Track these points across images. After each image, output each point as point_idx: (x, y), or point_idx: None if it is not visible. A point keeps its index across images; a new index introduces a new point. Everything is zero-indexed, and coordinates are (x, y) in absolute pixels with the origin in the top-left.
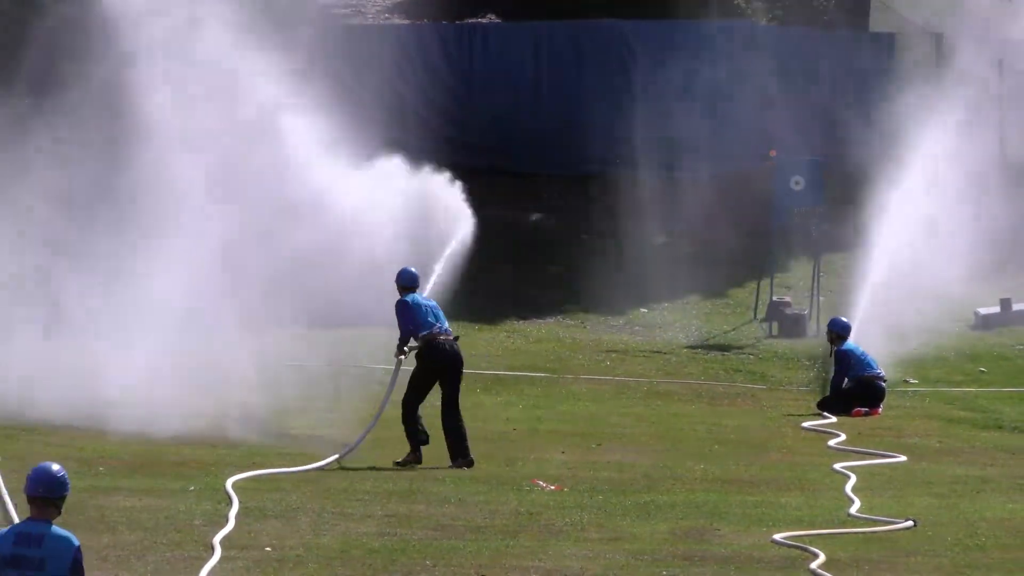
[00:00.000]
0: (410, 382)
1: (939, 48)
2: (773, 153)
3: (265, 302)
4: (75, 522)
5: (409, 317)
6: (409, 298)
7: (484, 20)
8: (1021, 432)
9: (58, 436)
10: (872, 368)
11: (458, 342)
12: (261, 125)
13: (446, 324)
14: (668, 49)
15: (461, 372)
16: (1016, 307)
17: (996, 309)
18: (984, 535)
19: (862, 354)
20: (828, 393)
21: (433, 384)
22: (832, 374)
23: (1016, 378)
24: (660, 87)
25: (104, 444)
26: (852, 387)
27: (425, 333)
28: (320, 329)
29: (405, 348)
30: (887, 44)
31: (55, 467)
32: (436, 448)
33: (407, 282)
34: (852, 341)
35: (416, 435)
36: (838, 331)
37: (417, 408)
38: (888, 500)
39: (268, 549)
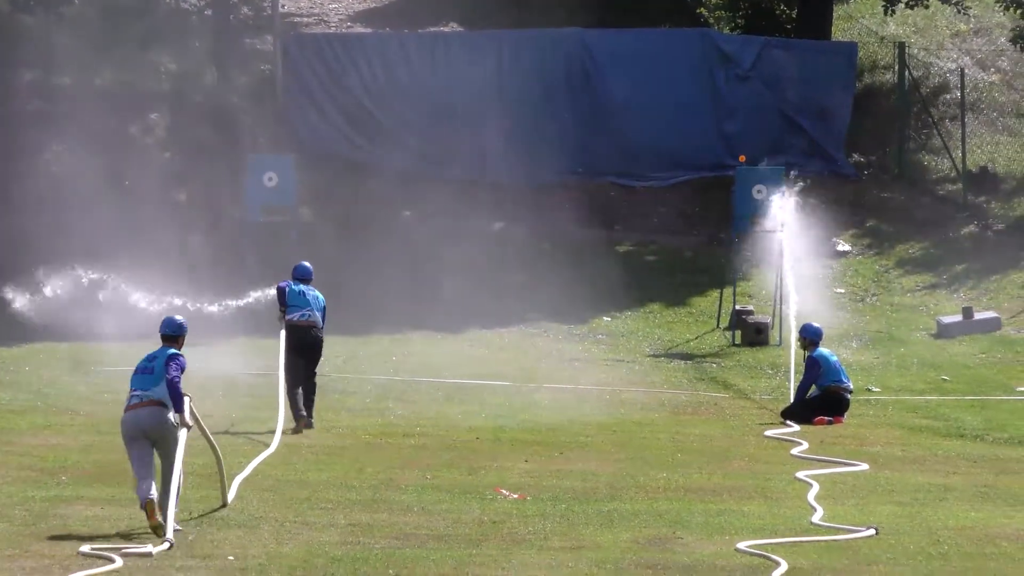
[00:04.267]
0: (283, 363)
1: (901, 58)
2: (743, 159)
3: None
4: (37, 531)
5: (279, 293)
6: (289, 283)
7: (446, 29)
8: (983, 440)
9: (22, 445)
10: (841, 379)
11: (320, 332)
12: None
13: (317, 316)
14: (630, 57)
15: (317, 352)
16: (978, 316)
17: (958, 317)
18: (946, 543)
19: (835, 362)
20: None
21: (297, 361)
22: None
23: (978, 387)
24: (622, 95)
25: (66, 453)
26: (817, 396)
27: (289, 317)
28: None
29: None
30: (849, 54)
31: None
32: (395, 453)
33: (297, 273)
34: (825, 348)
35: (296, 407)
36: (811, 337)
37: (294, 384)
38: (851, 508)
39: (231, 558)
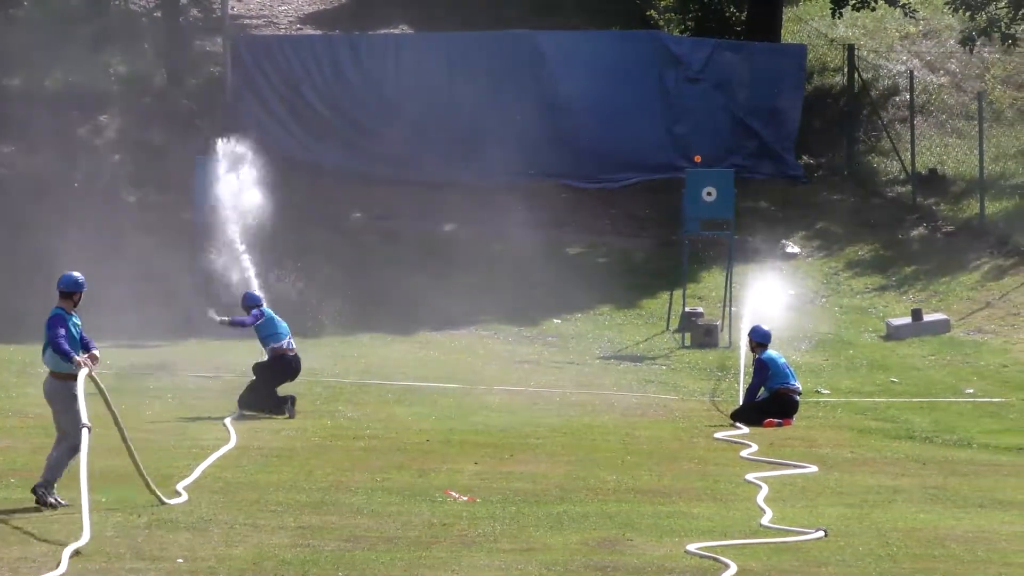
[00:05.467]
0: (257, 382)
1: (851, 60)
2: (698, 159)
3: None
4: None
5: (253, 323)
6: (260, 311)
7: (396, 31)
8: (932, 442)
9: None
10: (789, 380)
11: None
12: None
13: (291, 339)
14: (580, 59)
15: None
16: (927, 318)
17: (907, 320)
18: (895, 545)
19: (783, 365)
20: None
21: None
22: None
23: (927, 388)
24: (572, 97)
25: (15, 456)
26: (766, 399)
27: (275, 345)
28: None
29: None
30: (798, 56)
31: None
32: (345, 455)
33: (251, 301)
34: (774, 351)
35: (277, 403)
36: (758, 340)
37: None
38: (800, 510)
39: (180, 560)
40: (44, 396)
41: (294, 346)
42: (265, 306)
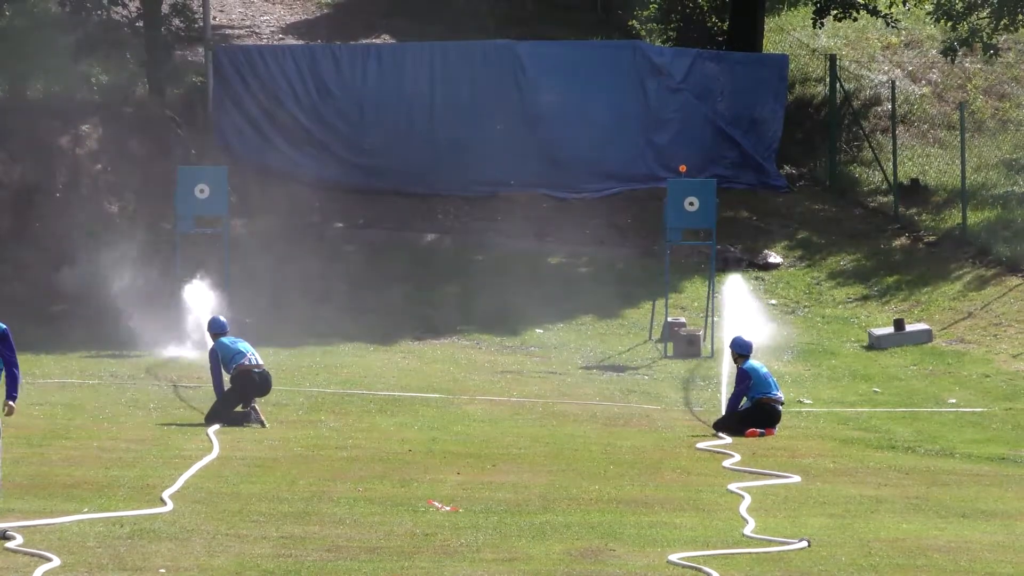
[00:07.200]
0: (220, 400)
1: (832, 70)
2: (683, 169)
3: None
4: None
5: (216, 365)
6: (218, 344)
7: (378, 40)
8: (914, 452)
9: None
10: (772, 390)
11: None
12: None
13: (256, 356)
14: (562, 69)
15: (270, 387)
16: (909, 328)
17: (889, 329)
18: (878, 555)
19: (765, 375)
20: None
21: (241, 401)
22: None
23: (909, 398)
24: (554, 107)
25: None
26: (748, 408)
27: (238, 364)
28: None
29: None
30: (780, 66)
31: None
32: (327, 465)
33: (215, 328)
34: (756, 361)
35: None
36: (739, 351)
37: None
38: (783, 520)
39: (162, 571)
40: None
41: (258, 361)
42: (228, 334)
